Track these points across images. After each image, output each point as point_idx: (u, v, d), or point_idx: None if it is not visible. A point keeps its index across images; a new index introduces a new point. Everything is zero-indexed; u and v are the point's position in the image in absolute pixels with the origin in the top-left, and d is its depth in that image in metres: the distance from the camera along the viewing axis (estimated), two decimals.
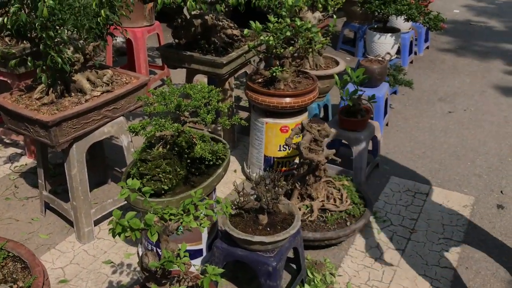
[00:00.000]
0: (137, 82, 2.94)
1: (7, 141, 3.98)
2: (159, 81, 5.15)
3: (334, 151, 2.82)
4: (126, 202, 3.07)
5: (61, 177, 3.29)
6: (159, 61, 5.53)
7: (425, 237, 3.05)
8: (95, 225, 2.98)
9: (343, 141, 3.66)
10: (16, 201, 3.28)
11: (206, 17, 3.50)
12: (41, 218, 3.13)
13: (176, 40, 3.68)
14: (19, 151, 3.86)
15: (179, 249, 1.74)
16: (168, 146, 2.42)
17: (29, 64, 2.55)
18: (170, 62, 3.74)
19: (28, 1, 2.39)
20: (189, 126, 2.49)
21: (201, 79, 4.39)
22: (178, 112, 2.47)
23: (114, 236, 1.68)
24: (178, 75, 5.06)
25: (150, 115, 2.54)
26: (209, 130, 4.06)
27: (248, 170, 3.63)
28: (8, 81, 3.47)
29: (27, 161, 3.74)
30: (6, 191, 3.38)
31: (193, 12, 3.45)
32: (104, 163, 3.40)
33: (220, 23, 3.63)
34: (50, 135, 2.54)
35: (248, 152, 3.63)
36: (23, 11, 2.36)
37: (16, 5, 2.32)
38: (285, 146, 3.36)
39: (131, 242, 2.92)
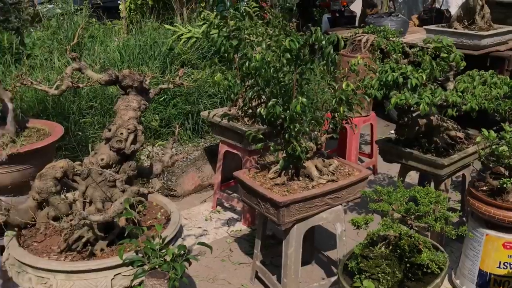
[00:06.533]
0: (360, 175, 3.06)
1: (227, 205, 4.46)
2: None
3: None
4: None
5: (271, 250, 3.54)
6: (365, 149, 5.65)
7: None
8: None
9: None
10: (230, 264, 3.61)
11: (432, 117, 3.51)
12: (249, 286, 3.38)
13: (396, 136, 3.75)
14: (235, 216, 4.29)
15: None
16: (390, 247, 2.43)
17: (271, 149, 2.88)
18: (386, 156, 3.80)
19: (281, 98, 2.75)
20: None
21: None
22: (404, 215, 2.48)
23: None
24: (384, 166, 5.08)
25: (373, 212, 2.61)
26: None
27: (457, 281, 3.39)
28: (240, 154, 3.95)
29: (242, 227, 4.11)
30: (222, 253, 3.75)
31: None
32: (312, 245, 3.54)
33: (445, 124, 3.60)
34: (278, 214, 2.79)
35: (459, 261, 3.40)
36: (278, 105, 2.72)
37: (273, 99, 2.69)
38: (506, 264, 3.07)
39: None
